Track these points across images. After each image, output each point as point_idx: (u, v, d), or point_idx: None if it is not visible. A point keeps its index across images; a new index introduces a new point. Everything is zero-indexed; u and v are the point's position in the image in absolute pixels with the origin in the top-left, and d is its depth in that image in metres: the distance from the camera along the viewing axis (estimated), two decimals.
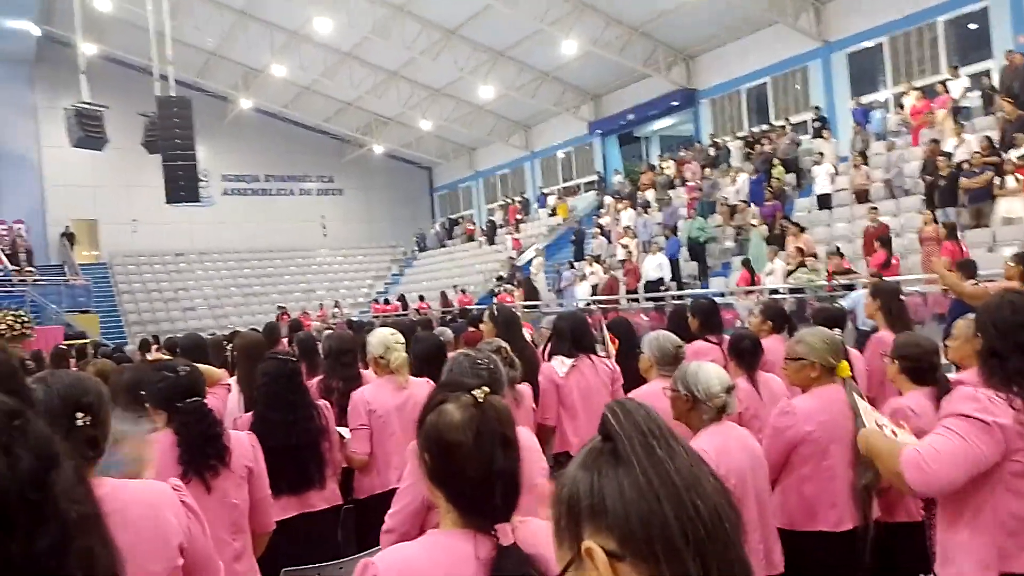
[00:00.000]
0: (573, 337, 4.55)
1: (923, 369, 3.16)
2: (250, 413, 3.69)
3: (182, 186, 16.23)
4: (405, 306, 23.08)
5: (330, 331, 6.74)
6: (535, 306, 17.89)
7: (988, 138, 12.50)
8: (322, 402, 3.84)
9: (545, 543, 1.04)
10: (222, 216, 29.87)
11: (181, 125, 16.00)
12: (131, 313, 26.19)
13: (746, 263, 13.97)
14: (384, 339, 3.92)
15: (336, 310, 24.86)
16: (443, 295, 22.17)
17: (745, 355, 3.92)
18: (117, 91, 22.07)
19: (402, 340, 3.95)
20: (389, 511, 2.48)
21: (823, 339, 3.17)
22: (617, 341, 5.20)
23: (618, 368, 4.63)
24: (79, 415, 1.81)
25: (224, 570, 2.17)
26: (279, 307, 24.63)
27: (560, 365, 4.46)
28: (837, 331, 5.37)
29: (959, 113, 14.74)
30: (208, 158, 26.92)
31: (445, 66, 23.00)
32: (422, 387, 3.93)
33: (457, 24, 21.84)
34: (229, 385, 4.46)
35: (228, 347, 5.63)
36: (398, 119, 28.56)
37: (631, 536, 0.84)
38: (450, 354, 2.60)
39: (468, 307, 16.39)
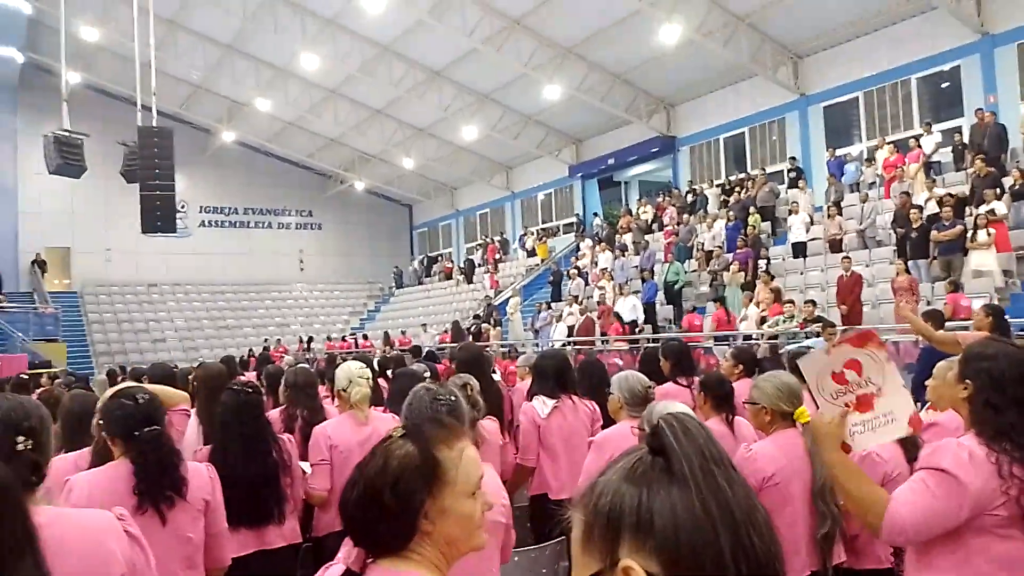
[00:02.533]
0: (556, 377, 4.50)
1: None
2: (209, 446, 3.60)
3: (159, 216, 16.09)
4: (357, 344, 23.47)
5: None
6: (510, 345, 17.85)
7: (952, 195, 12.77)
8: (285, 436, 3.75)
9: None
10: (198, 248, 29.75)
11: (161, 155, 15.92)
12: (100, 343, 25.78)
13: (721, 301, 14.12)
14: (349, 372, 3.86)
15: (312, 344, 24.67)
16: (385, 335, 22.38)
17: (717, 397, 3.89)
18: (98, 120, 22.01)
19: (368, 375, 3.87)
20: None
21: (776, 385, 3.16)
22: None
23: (598, 409, 4.57)
24: (20, 439, 1.75)
25: None
26: (266, 340, 24.54)
27: (542, 406, 4.39)
28: None
29: (931, 168, 15.08)
30: (187, 189, 26.90)
31: (430, 106, 23.24)
32: (385, 422, 3.86)
33: (443, 66, 22.12)
34: (187, 411, 4.36)
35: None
36: (381, 156, 28.71)
37: (678, 562, 0.78)
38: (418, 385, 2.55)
39: (404, 348, 16.27)
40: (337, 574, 1.41)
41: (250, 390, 3.60)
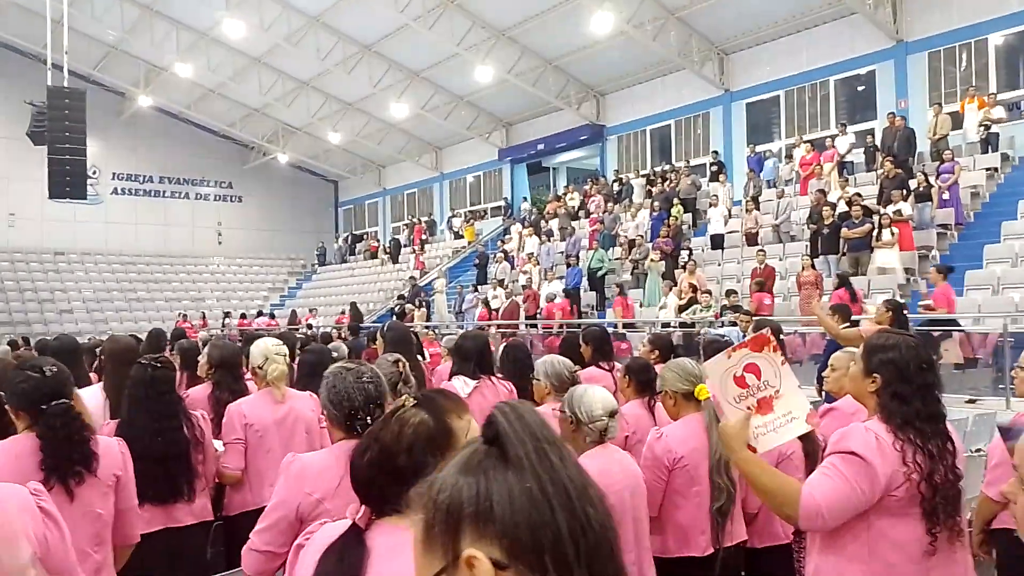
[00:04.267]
0: (477, 358, 4.53)
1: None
2: (116, 420, 3.49)
3: (68, 182, 15.40)
4: (272, 317, 23.46)
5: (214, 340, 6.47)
6: (435, 327, 17.80)
7: (860, 195, 13.38)
8: (199, 412, 3.66)
9: None
10: (110, 216, 28.51)
11: (72, 118, 15.20)
12: (1, 312, 24.45)
13: (619, 288, 14.77)
14: (265, 349, 3.78)
15: (228, 320, 24.01)
16: (292, 313, 22.15)
17: (641, 382, 4.00)
18: (2, 76, 20.75)
19: (284, 351, 3.81)
20: (255, 527, 2.37)
21: (674, 369, 3.29)
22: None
23: (516, 391, 4.61)
24: None
25: None
26: (181, 314, 23.64)
27: (463, 386, 4.41)
28: None
29: (844, 167, 15.74)
30: (99, 154, 25.71)
31: (359, 81, 22.80)
32: (303, 400, 3.82)
33: (374, 40, 21.72)
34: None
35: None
36: (306, 130, 28.03)
37: (519, 545, 0.79)
38: (334, 365, 2.53)
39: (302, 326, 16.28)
40: (342, 528, 1.49)
41: (159, 364, 3.49)
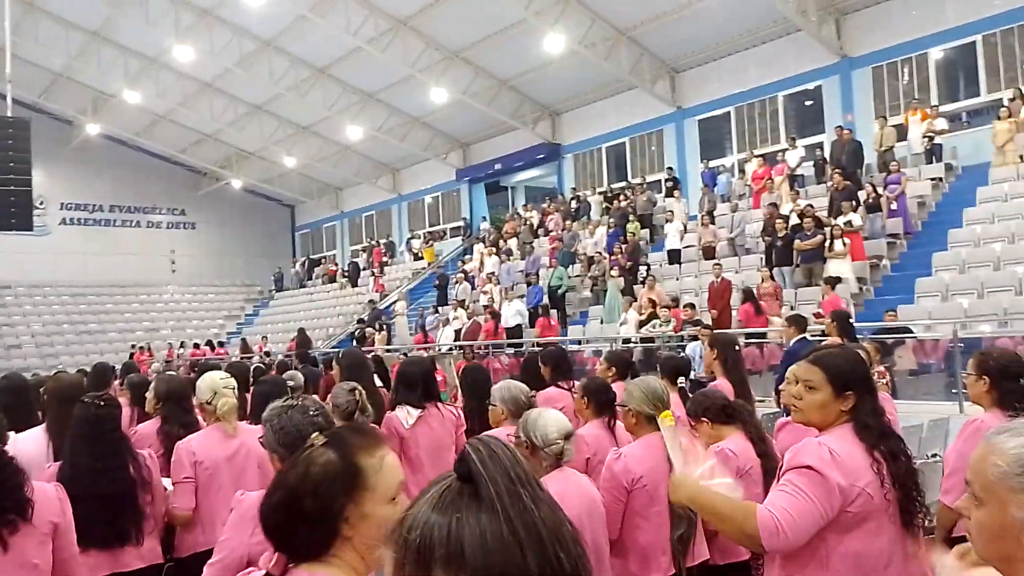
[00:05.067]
0: (423, 385, 4.38)
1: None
2: (59, 463, 3.35)
3: (13, 213, 14.96)
4: (213, 348, 23.15)
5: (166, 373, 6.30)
6: (396, 350, 17.64)
7: (811, 206, 13.67)
8: (146, 451, 3.55)
9: None
10: (58, 247, 27.81)
11: (16, 147, 14.81)
12: None
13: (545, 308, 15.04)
14: (212, 383, 3.66)
15: (181, 351, 23.53)
16: (243, 341, 22.02)
17: (600, 402, 3.94)
18: None
19: (233, 384, 3.70)
20: (209, 561, 2.34)
21: (643, 389, 3.27)
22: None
23: (463, 415, 4.53)
24: None
25: None
26: (133, 345, 23.07)
27: (406, 415, 4.26)
28: (681, 379, 5.64)
29: (795, 180, 16.05)
30: (46, 184, 25.13)
31: (313, 104, 22.66)
32: (254, 435, 3.70)
33: (327, 63, 21.64)
34: None
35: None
36: (260, 154, 27.72)
37: None
38: (271, 404, 2.45)
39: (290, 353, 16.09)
40: None
41: (102, 403, 3.37)
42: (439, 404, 4.47)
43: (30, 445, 4.00)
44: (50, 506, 2.61)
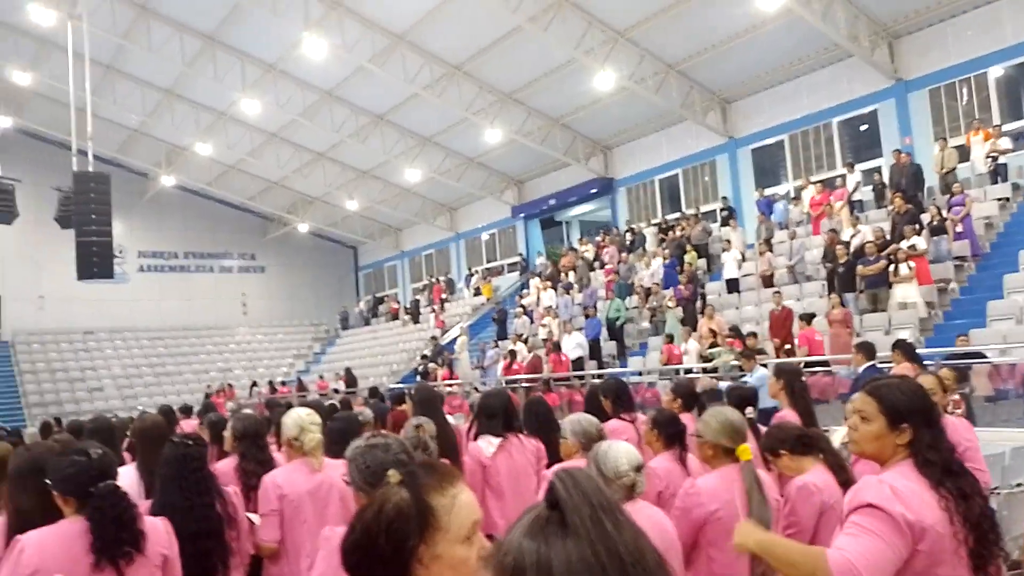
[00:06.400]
0: (502, 416, 4.52)
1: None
2: (149, 500, 3.50)
3: (95, 262, 15.75)
4: (274, 389, 23.50)
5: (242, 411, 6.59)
6: (459, 384, 17.90)
7: (881, 229, 13.45)
8: (231, 488, 3.68)
9: None
10: (136, 294, 29.12)
11: (98, 200, 15.62)
12: (32, 394, 24.86)
13: (669, 338, 14.48)
14: (299, 420, 3.78)
15: (256, 389, 24.25)
16: (299, 380, 22.52)
17: (669, 434, 3.92)
18: (30, 164, 21.62)
19: (318, 421, 3.82)
20: None
21: (719, 419, 3.22)
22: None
23: (543, 447, 4.61)
24: None
25: None
26: (216, 387, 23.99)
27: (487, 445, 4.41)
28: (749, 410, 5.63)
29: (854, 205, 15.85)
30: (124, 234, 26.39)
31: (372, 149, 23.41)
32: (338, 469, 3.88)
33: (385, 110, 22.37)
34: None
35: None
36: (324, 199, 28.68)
37: None
38: (354, 443, 2.58)
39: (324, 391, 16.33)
40: None
41: (191, 442, 3.51)
42: (519, 435, 4.57)
43: (124, 482, 4.28)
44: (159, 539, 2.75)
